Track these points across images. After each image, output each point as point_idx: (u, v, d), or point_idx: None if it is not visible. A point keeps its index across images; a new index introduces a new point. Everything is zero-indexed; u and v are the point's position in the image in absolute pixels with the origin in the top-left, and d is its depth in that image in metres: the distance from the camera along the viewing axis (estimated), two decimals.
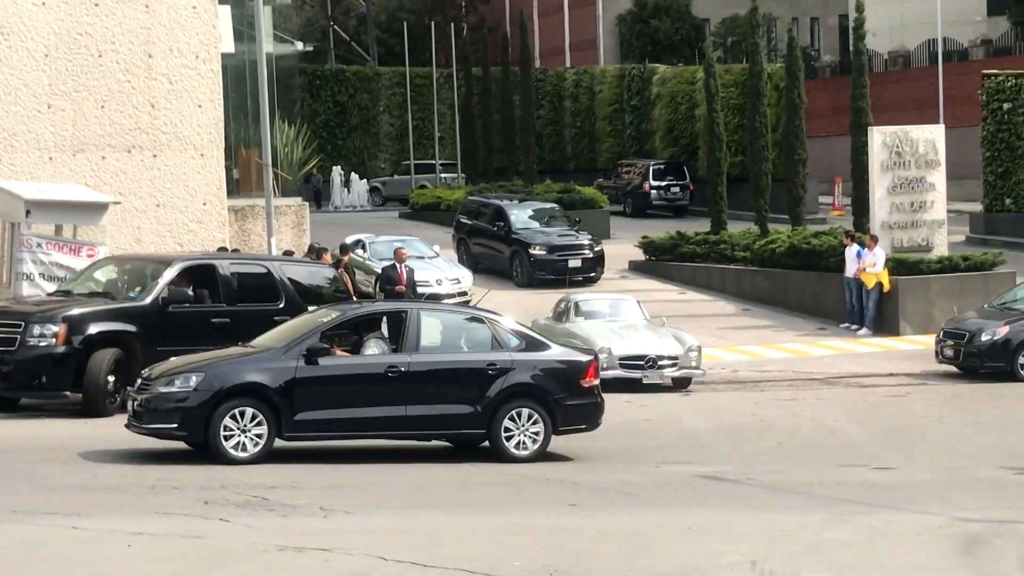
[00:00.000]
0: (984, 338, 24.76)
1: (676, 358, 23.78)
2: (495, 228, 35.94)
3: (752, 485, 15.66)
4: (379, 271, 28.30)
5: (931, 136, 30.50)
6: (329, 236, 33.03)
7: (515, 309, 29.26)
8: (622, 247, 38.08)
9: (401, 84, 59.01)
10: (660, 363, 23.64)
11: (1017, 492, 15.30)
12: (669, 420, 21.02)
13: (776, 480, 16.01)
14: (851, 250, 29.37)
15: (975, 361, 24.92)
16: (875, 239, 29.21)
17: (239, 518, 12.70)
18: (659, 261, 35.94)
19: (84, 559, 11.01)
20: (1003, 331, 24.72)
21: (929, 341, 26.94)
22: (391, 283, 25.67)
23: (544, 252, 34.30)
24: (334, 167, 56.35)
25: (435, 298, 31.31)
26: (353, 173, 56.71)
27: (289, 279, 21.72)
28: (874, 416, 21.48)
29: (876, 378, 24.98)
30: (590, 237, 35.24)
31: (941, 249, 30.32)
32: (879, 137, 30.24)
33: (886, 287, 28.75)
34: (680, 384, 23.87)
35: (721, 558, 11.54)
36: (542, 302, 28.50)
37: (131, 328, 20.11)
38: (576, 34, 67.93)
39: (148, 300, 20.39)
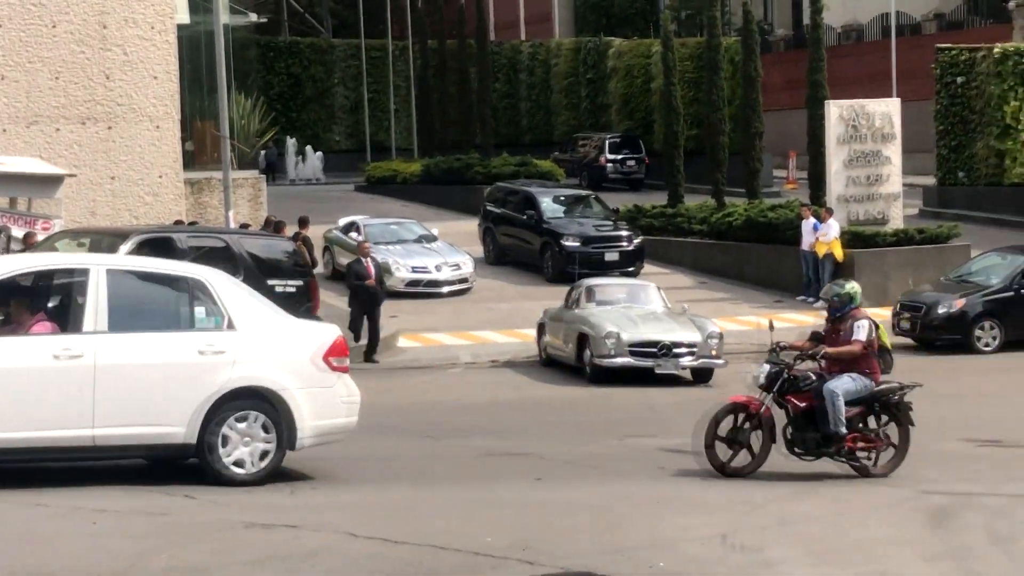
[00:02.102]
0: (941, 311, 24.93)
1: (694, 346, 21.74)
2: (524, 217, 33.00)
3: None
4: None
5: (887, 109, 30.60)
6: (285, 209, 32.80)
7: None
8: None
9: (356, 56, 58.66)
10: (676, 351, 21.62)
11: (979, 464, 15.39)
12: (630, 392, 21.01)
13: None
14: (807, 223, 29.47)
15: (932, 333, 25.08)
16: (830, 211, 29.33)
17: (204, 494, 12.58)
18: None
19: (50, 536, 10.88)
20: (959, 304, 24.89)
21: (885, 313, 27.00)
22: (360, 278, 24.20)
23: (577, 244, 31.24)
24: (288, 140, 56.02)
25: (434, 285, 30.38)
26: (308, 146, 56.36)
27: (248, 252, 21.59)
28: None
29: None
30: (628, 228, 32.41)
31: (897, 222, 30.47)
32: (836, 111, 30.31)
33: (839, 257, 28.83)
34: (700, 377, 21.91)
35: (691, 532, 11.54)
36: None
37: None
38: (531, 7, 67.69)
39: None
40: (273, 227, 25.84)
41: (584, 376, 21.86)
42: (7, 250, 21.82)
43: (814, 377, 14.49)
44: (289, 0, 68.56)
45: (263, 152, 50.61)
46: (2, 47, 25.49)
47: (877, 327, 14.64)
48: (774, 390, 14.46)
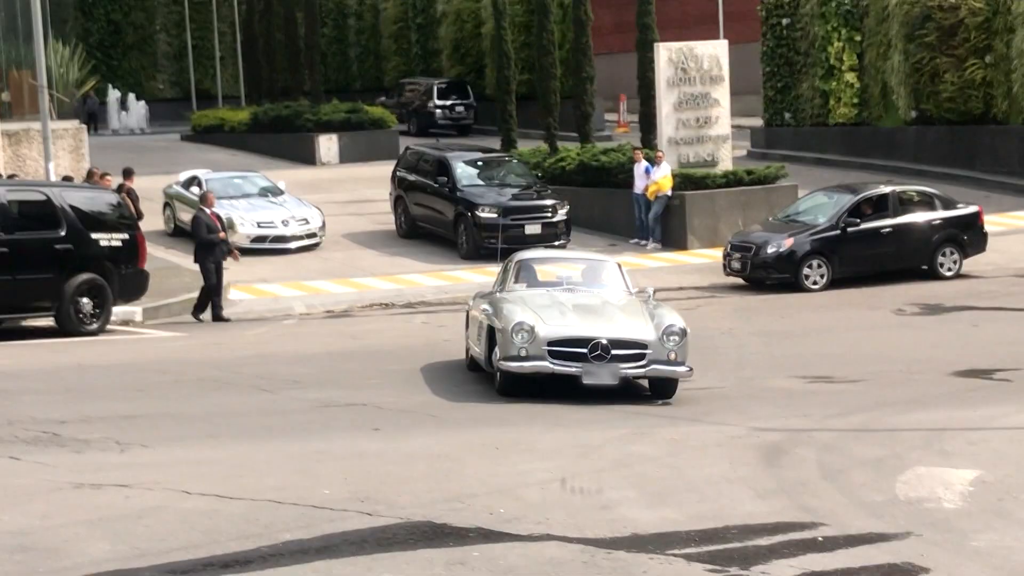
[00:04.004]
0: (770, 250, 25.35)
1: (644, 346, 15.59)
2: (437, 184, 29.98)
3: (550, 403, 15.69)
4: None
5: (715, 52, 30.93)
6: (108, 160, 32.00)
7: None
8: None
9: (178, 2, 57.40)
10: (615, 352, 15.48)
11: (810, 400, 15.66)
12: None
13: (570, 395, 16.08)
14: (640, 166, 29.73)
15: (761, 273, 25.50)
16: (661, 154, 29.65)
17: (30, 455, 12.21)
18: None
19: None
20: (788, 243, 25.33)
21: (716, 254, 27.47)
22: (212, 231, 22.97)
23: (494, 215, 28.35)
24: (110, 88, 54.65)
25: (281, 240, 29.25)
26: (131, 95, 55.05)
27: (70, 206, 21.03)
28: None
29: (667, 292, 25.33)
30: (554, 198, 29.54)
31: (726, 164, 30.89)
32: (665, 54, 30.53)
33: (664, 189, 29.01)
34: (659, 390, 15.89)
35: (530, 476, 11.53)
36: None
37: None
38: None
39: None
40: (97, 178, 25.16)
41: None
42: None
43: None
44: None
45: (85, 101, 49.30)
46: None
47: None
48: None
